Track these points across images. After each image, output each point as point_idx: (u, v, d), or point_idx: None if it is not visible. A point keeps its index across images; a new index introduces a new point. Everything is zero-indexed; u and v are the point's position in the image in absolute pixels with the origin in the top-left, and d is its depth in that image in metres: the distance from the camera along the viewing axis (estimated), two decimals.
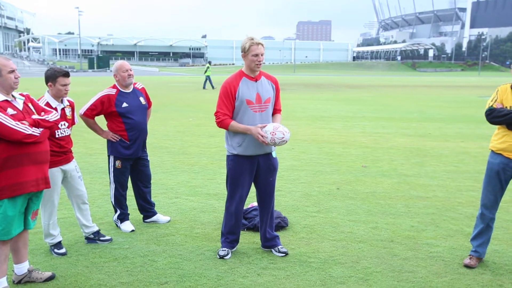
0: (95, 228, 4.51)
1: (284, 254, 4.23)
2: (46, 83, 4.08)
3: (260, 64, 3.97)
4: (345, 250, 4.38)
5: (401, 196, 6.21)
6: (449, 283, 3.74)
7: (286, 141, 3.93)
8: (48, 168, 3.81)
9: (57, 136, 4.03)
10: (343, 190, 6.46)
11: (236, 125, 3.95)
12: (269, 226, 4.35)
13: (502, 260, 4.19)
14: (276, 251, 4.27)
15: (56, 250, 4.21)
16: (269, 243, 4.33)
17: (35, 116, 3.39)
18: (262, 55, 3.94)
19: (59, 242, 4.27)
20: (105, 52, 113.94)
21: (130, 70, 4.72)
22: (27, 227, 3.55)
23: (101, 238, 4.51)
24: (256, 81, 4.04)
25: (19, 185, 3.28)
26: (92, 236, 4.49)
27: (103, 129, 4.80)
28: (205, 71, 31.62)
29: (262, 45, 3.94)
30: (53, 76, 4.03)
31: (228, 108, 3.97)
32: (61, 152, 4.09)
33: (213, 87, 30.41)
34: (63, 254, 4.19)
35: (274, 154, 4.18)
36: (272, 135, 3.86)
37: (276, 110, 4.26)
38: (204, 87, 30.92)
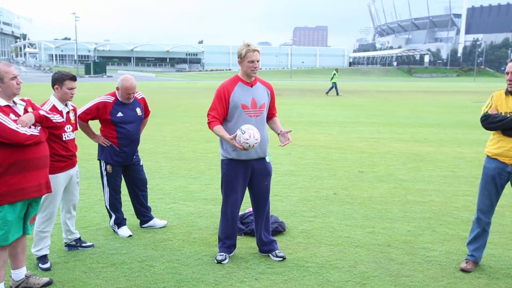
0: (78, 235, 4.50)
1: (281, 259, 4.24)
2: (53, 86, 4.11)
3: (256, 70, 4.03)
4: (342, 254, 4.40)
5: (397, 200, 6.24)
6: (445, 287, 3.76)
7: (249, 145, 3.85)
8: (54, 174, 3.84)
9: (63, 139, 4.05)
10: (340, 195, 6.49)
11: (219, 130, 4.02)
12: (265, 230, 4.36)
13: (498, 264, 4.22)
14: (273, 256, 4.28)
15: (40, 265, 4.03)
16: (266, 247, 4.34)
17: (42, 112, 3.42)
18: (258, 61, 4.00)
19: (45, 256, 4.09)
20: (101, 57, 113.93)
21: (133, 94, 4.72)
22: (26, 232, 3.55)
23: (83, 245, 4.50)
24: (251, 86, 4.10)
25: (21, 191, 3.29)
26: (73, 243, 4.46)
27: (96, 133, 4.83)
28: (332, 78, 31.98)
29: (258, 51, 3.99)
30: (61, 79, 4.07)
31: (218, 111, 4.05)
32: (67, 156, 4.10)
33: (327, 93, 31.49)
34: (46, 270, 3.98)
35: (267, 159, 4.23)
36: (241, 134, 3.84)
37: (272, 114, 4.38)
38: (337, 94, 31.37)
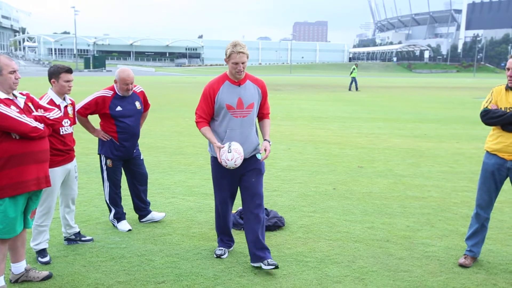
0: (77, 229, 4.50)
1: (273, 267, 3.84)
2: (50, 80, 4.10)
3: (240, 72, 3.84)
4: (341, 249, 4.41)
5: (396, 196, 6.25)
6: (444, 282, 3.77)
7: (233, 167, 3.81)
8: (51, 168, 3.81)
9: (61, 133, 4.04)
10: (339, 190, 6.49)
11: (206, 132, 3.93)
12: (260, 235, 3.98)
13: (497, 260, 4.24)
14: (265, 265, 3.87)
15: (39, 259, 4.06)
16: (259, 254, 3.96)
17: (36, 113, 3.41)
18: (243, 63, 3.79)
19: (44, 250, 4.11)
20: (101, 52, 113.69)
21: (131, 85, 4.69)
22: (26, 226, 3.56)
23: (82, 239, 4.50)
24: (239, 85, 3.92)
25: (21, 184, 3.29)
26: (73, 237, 4.47)
27: (95, 127, 4.82)
28: (351, 73, 31.50)
29: (243, 53, 3.78)
30: (56, 73, 4.06)
31: (205, 111, 3.94)
32: (65, 151, 4.10)
33: (357, 89, 30.88)
34: (46, 263, 4.02)
35: (259, 156, 4.00)
36: (226, 151, 3.78)
37: (263, 115, 4.17)
38: (349, 89, 31.11)
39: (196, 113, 4.01)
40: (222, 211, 4.23)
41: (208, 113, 3.95)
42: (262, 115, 4.17)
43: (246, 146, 3.92)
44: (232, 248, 4.37)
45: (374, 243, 4.57)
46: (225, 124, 3.92)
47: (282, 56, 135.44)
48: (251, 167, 4.01)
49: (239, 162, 3.79)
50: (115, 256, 4.19)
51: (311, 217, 5.35)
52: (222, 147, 3.81)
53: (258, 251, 3.96)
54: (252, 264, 3.99)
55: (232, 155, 3.76)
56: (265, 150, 3.94)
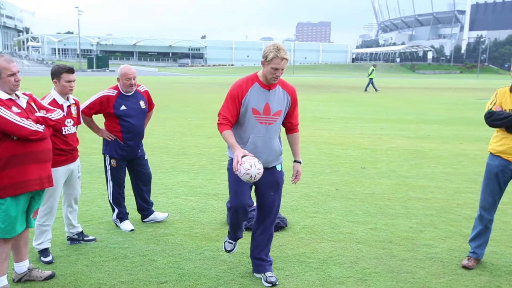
0: (80, 229, 4.51)
1: (270, 285, 3.68)
2: (52, 79, 4.11)
3: (277, 79, 3.57)
4: (344, 250, 4.40)
5: (399, 197, 6.24)
6: (447, 284, 3.76)
7: (251, 176, 3.37)
8: (53, 167, 3.81)
9: (63, 133, 4.03)
10: (342, 191, 6.48)
11: (228, 136, 3.56)
12: (263, 251, 3.84)
13: (500, 262, 4.22)
14: (264, 280, 3.74)
15: (42, 258, 4.06)
16: (259, 263, 3.85)
17: (38, 114, 3.42)
18: (282, 70, 3.52)
19: (46, 249, 4.11)
20: (104, 52, 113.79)
21: (133, 79, 4.68)
22: (29, 225, 3.57)
23: (85, 238, 4.51)
24: (269, 90, 3.63)
25: (23, 184, 3.30)
26: (76, 236, 4.47)
27: (100, 127, 4.83)
28: (369, 74, 31.32)
29: (287, 60, 3.50)
30: (58, 73, 4.06)
31: (231, 112, 3.62)
32: (67, 151, 4.09)
33: (365, 90, 30.88)
34: (49, 263, 4.02)
35: (279, 168, 3.79)
36: (240, 164, 3.37)
37: (292, 126, 3.85)
38: (375, 89, 31.01)
39: (219, 114, 3.65)
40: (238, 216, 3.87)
41: (234, 115, 3.63)
42: (291, 125, 3.85)
43: (268, 155, 3.67)
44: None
45: (377, 244, 4.56)
46: (249, 129, 3.64)
47: None
48: (271, 178, 3.73)
49: (258, 177, 3.47)
50: (117, 256, 4.19)
51: (313, 217, 5.34)
52: (251, 155, 3.48)
53: (258, 263, 3.84)
54: (254, 274, 3.88)
55: (260, 166, 3.41)
56: (297, 173, 3.78)
